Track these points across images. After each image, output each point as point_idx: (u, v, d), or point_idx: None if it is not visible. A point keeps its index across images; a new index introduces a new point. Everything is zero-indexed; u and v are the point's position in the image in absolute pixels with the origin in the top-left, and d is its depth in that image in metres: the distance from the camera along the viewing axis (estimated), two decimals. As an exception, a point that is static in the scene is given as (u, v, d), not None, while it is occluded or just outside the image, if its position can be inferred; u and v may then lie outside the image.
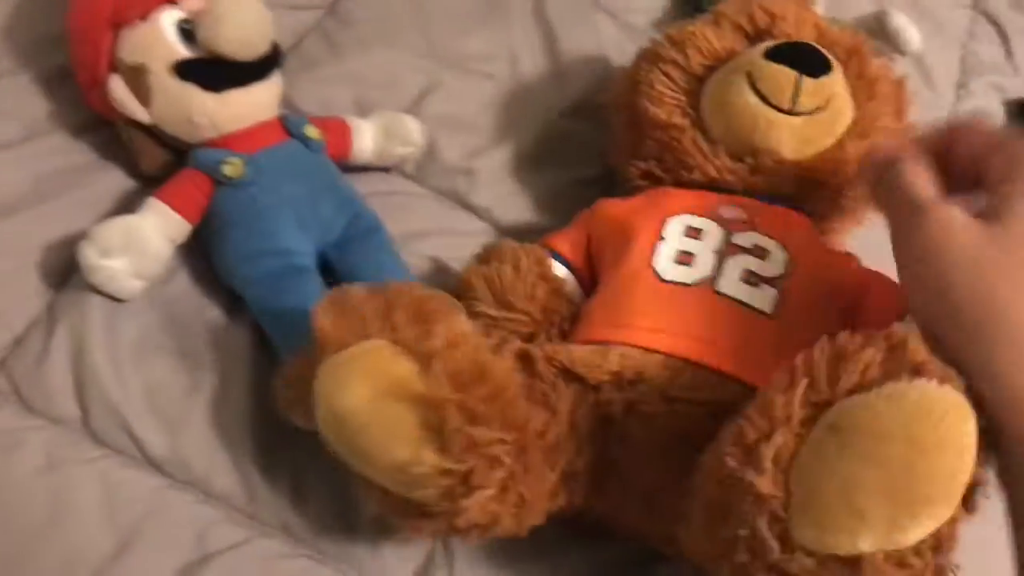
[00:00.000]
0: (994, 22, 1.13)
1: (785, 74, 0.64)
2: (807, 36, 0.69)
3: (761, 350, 0.57)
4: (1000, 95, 1.05)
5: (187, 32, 0.61)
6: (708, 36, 0.70)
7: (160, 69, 0.61)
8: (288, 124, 0.65)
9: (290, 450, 0.60)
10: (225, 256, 0.62)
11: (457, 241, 0.72)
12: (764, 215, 0.64)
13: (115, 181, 0.67)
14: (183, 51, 0.61)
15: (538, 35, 0.90)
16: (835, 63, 0.66)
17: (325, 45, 0.81)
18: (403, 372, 0.47)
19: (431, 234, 0.73)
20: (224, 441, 0.59)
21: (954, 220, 0.47)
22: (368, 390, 0.47)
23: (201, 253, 0.64)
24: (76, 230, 0.63)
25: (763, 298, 0.59)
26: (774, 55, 0.65)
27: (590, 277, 0.67)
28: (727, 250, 0.61)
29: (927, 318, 0.48)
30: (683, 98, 0.68)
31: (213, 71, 0.61)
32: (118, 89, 0.61)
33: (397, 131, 0.72)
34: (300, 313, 0.59)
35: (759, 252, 0.61)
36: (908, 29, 0.80)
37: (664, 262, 0.61)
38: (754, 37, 0.70)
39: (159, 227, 0.60)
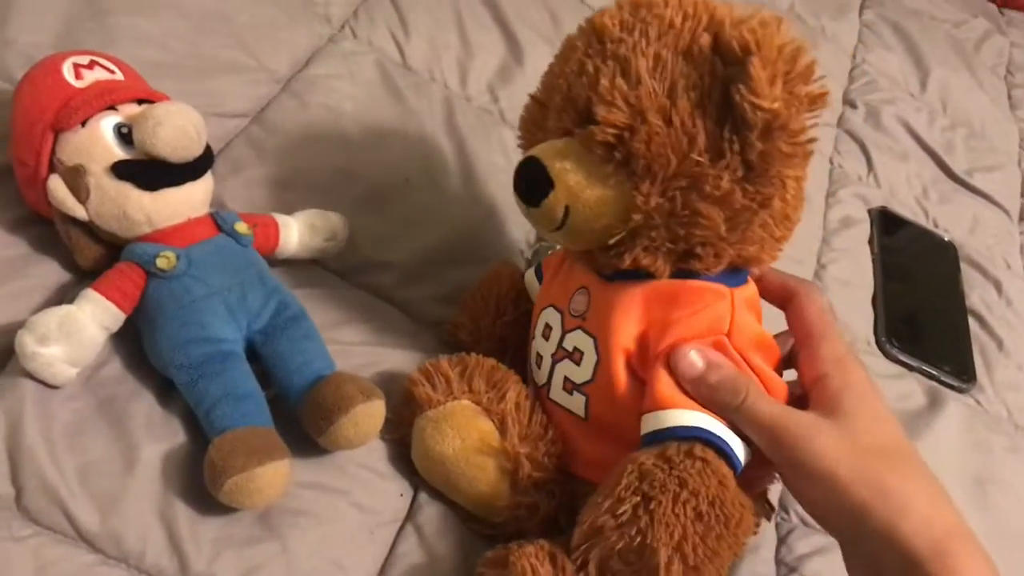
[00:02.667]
0: (856, 139, 1.21)
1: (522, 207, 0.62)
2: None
3: (582, 448, 0.66)
4: (864, 204, 1.13)
5: (124, 135, 0.63)
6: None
7: (98, 170, 0.63)
8: (219, 220, 0.67)
9: (222, 527, 0.61)
10: (158, 343, 0.63)
11: (377, 326, 0.76)
12: (600, 299, 0.63)
13: (51, 273, 0.68)
14: (120, 152, 0.63)
15: (450, 145, 0.94)
16: (555, 173, 0.59)
17: (251, 150, 0.84)
18: (485, 428, 0.65)
19: (354, 322, 0.75)
20: (157, 517, 0.60)
21: (822, 430, 0.57)
22: (459, 441, 0.64)
23: (133, 339, 0.66)
24: (12, 319, 0.64)
25: (577, 403, 0.66)
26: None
27: None
28: (557, 355, 0.66)
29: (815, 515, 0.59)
30: None
31: (149, 171, 0.63)
32: (58, 189, 0.63)
33: (322, 226, 0.74)
34: (226, 396, 0.61)
35: (576, 357, 0.65)
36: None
37: (532, 360, 0.70)
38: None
39: (95, 316, 0.61)
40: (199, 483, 0.60)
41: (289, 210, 0.76)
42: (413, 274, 0.81)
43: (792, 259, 1.02)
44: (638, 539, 0.55)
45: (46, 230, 0.69)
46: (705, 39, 0.56)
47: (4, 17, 0.82)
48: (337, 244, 0.76)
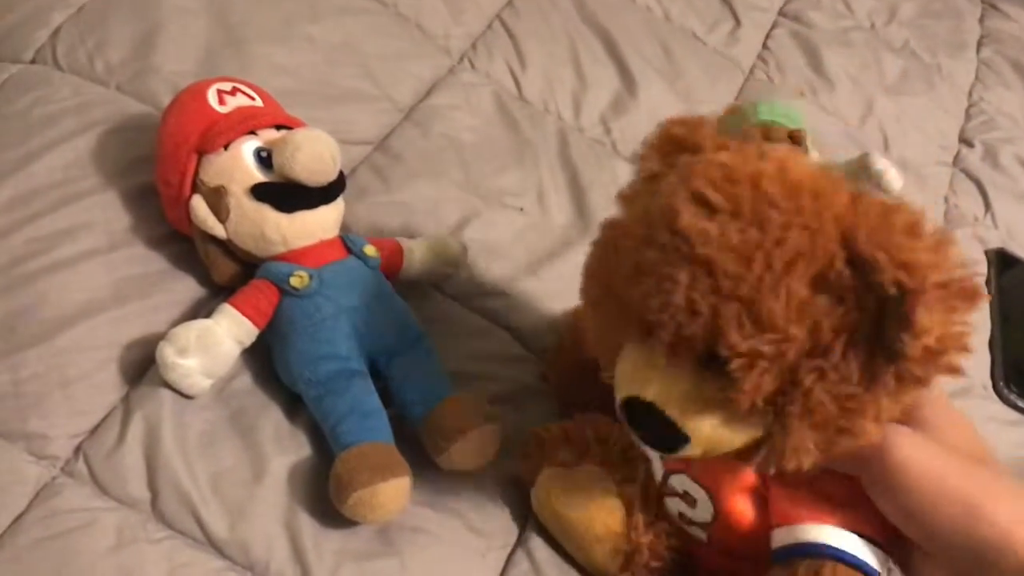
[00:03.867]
0: (972, 178, 1.19)
1: (639, 442, 0.55)
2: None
3: (703, 555, 0.64)
4: (981, 245, 1.10)
5: (264, 159, 0.66)
6: None
7: (238, 191, 0.66)
8: (348, 243, 0.69)
9: (343, 539, 0.62)
10: (288, 359, 0.65)
11: (491, 351, 0.77)
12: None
13: (188, 288, 0.71)
14: (260, 175, 0.66)
15: (563, 176, 0.95)
16: (690, 430, 0.50)
17: (375, 176, 0.86)
18: (612, 506, 0.63)
19: (469, 345, 0.77)
20: (282, 527, 0.62)
21: (904, 438, 0.52)
22: (583, 512, 0.63)
23: (263, 354, 0.68)
24: (152, 331, 0.67)
25: (696, 532, 0.62)
26: (623, 412, 0.53)
27: None
28: (666, 489, 0.63)
29: (915, 526, 0.52)
30: None
31: (286, 194, 0.66)
32: (200, 207, 0.66)
33: (443, 252, 0.76)
34: (352, 412, 0.63)
35: (689, 500, 0.61)
36: (890, 171, 0.84)
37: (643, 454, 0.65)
38: None
39: (230, 331, 0.64)
40: (323, 496, 0.62)
41: (411, 235, 0.78)
42: (524, 301, 0.83)
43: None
44: None
45: (184, 247, 0.72)
46: (840, 259, 0.46)
47: (150, 46, 0.86)
48: (456, 269, 0.77)
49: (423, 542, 0.64)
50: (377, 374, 0.68)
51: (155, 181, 0.71)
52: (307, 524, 0.62)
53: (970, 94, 1.33)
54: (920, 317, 0.44)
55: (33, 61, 0.85)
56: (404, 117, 0.94)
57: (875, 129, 1.17)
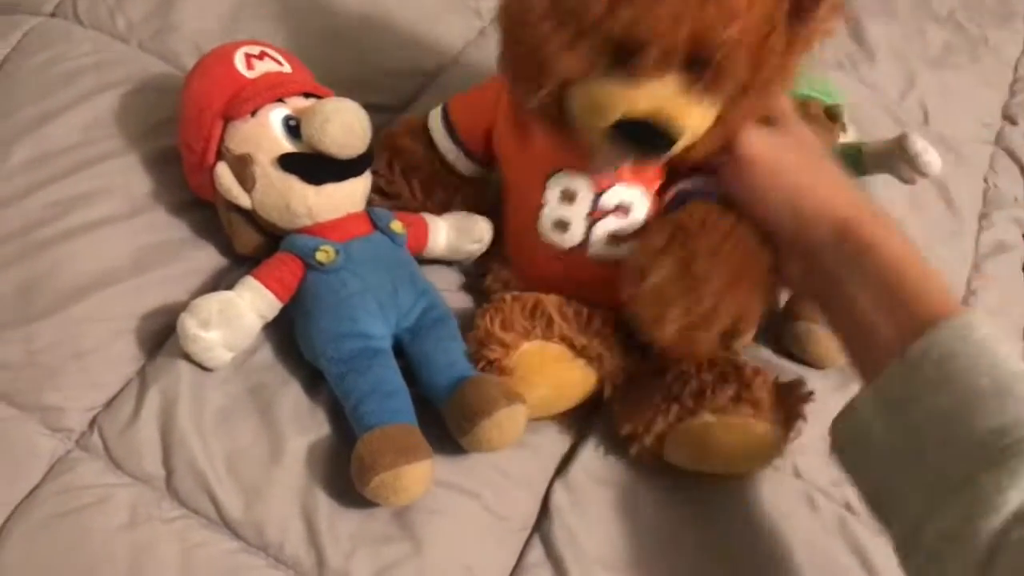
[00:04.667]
0: (1015, 158, 1.15)
1: (623, 154, 0.62)
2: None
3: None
4: (1020, 228, 1.07)
5: (292, 128, 0.64)
6: None
7: (265, 160, 0.63)
8: (375, 217, 0.67)
9: (360, 522, 0.61)
10: (311, 334, 0.63)
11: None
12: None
13: (209, 258, 0.69)
14: (287, 145, 0.64)
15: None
16: (682, 128, 0.59)
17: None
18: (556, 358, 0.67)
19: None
20: (298, 508, 0.60)
21: (757, 132, 0.64)
22: (544, 390, 0.66)
23: (285, 329, 0.66)
24: (171, 301, 0.66)
25: (626, 250, 0.66)
26: (614, 135, 0.59)
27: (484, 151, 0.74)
28: (595, 214, 0.67)
29: (757, 204, 0.64)
30: None
31: (314, 165, 0.64)
32: (224, 175, 0.64)
33: (468, 228, 0.74)
34: (375, 392, 0.61)
35: (623, 210, 0.67)
36: (928, 152, 0.81)
37: (546, 227, 0.68)
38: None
39: (254, 304, 0.62)
40: (340, 477, 0.61)
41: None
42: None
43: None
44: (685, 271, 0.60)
45: (206, 214, 0.70)
46: None
47: (172, 4, 0.83)
48: (481, 247, 0.75)
49: (440, 525, 0.62)
50: (400, 352, 0.66)
51: (177, 145, 0.69)
52: (323, 506, 0.61)
53: (1016, 67, 1.29)
54: None
55: (53, 14, 0.83)
56: (431, 80, 0.91)
57: (915, 104, 1.13)
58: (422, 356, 0.65)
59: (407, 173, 0.74)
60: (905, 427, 0.53)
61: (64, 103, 0.74)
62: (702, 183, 0.67)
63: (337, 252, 0.63)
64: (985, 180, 1.12)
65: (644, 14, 0.55)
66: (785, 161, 0.64)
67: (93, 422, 0.61)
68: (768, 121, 0.65)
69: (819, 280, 0.63)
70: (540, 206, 0.68)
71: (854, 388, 0.73)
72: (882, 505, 0.56)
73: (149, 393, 0.62)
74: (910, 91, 1.13)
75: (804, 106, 0.89)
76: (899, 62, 1.16)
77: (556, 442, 0.69)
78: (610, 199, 0.67)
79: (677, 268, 0.60)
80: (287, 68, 0.68)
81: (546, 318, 0.67)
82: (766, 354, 0.76)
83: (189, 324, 0.60)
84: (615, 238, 0.67)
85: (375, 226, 0.67)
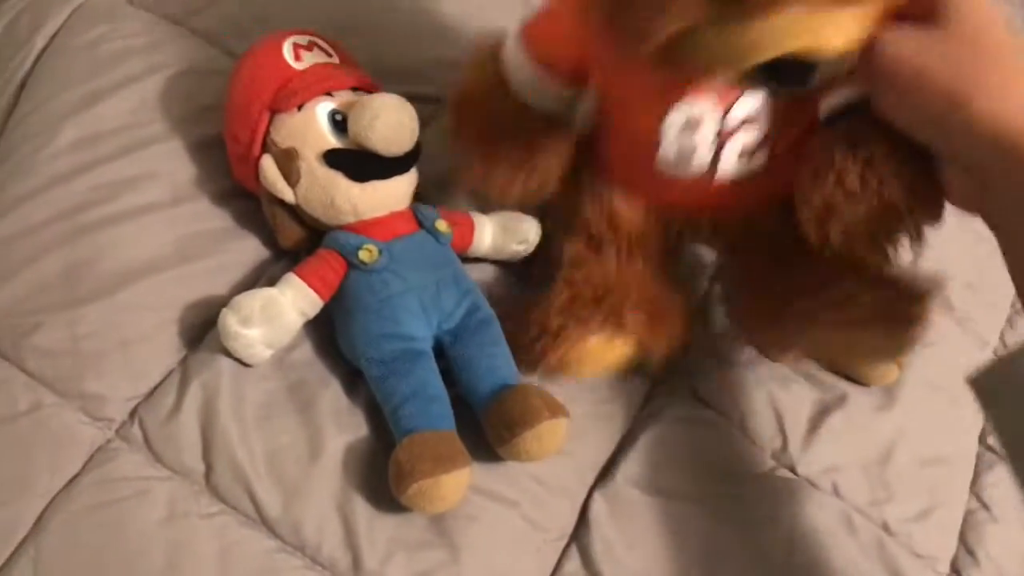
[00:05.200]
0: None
1: (765, 88, 0.58)
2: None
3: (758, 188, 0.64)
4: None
5: (338, 123, 0.63)
6: None
7: (310, 155, 0.62)
8: (420, 215, 0.66)
9: (397, 526, 0.60)
10: (351, 334, 0.63)
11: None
12: None
13: (251, 249, 0.69)
14: (333, 141, 0.63)
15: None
16: (828, 55, 0.52)
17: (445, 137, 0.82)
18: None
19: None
20: (336, 509, 0.60)
21: (900, 35, 0.53)
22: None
23: (324, 326, 0.65)
24: (213, 293, 0.65)
25: (757, 161, 0.62)
26: (759, 77, 0.53)
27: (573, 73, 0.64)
28: (724, 135, 0.61)
29: (901, 121, 0.55)
30: None
31: (360, 162, 0.62)
32: (269, 169, 0.63)
33: (515, 229, 0.72)
34: (415, 396, 0.60)
35: (750, 122, 0.61)
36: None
37: (667, 161, 0.63)
38: None
39: (295, 302, 0.61)
40: (378, 479, 0.60)
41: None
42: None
43: (985, 302, 0.95)
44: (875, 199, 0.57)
45: (249, 205, 0.69)
46: None
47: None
48: (527, 248, 0.73)
49: (476, 532, 0.62)
50: (442, 354, 0.65)
51: (222, 133, 0.68)
52: (361, 508, 0.60)
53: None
54: None
55: (102, -9, 0.82)
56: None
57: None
58: (464, 360, 0.64)
59: (487, 134, 0.67)
60: None
61: (113, 84, 0.74)
62: (850, 93, 0.60)
63: (380, 252, 0.62)
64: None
65: None
66: (931, 67, 0.53)
67: (134, 412, 0.61)
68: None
69: (990, 204, 0.55)
70: (658, 142, 0.62)
71: (899, 406, 0.73)
72: None
73: (191, 386, 0.61)
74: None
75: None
76: None
77: (597, 450, 0.68)
78: (737, 113, 0.60)
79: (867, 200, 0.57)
80: (335, 59, 0.67)
81: (618, 320, 0.64)
82: (812, 369, 0.74)
83: (230, 321, 0.59)
84: (744, 153, 0.62)
85: (420, 224, 0.66)
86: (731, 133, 0.61)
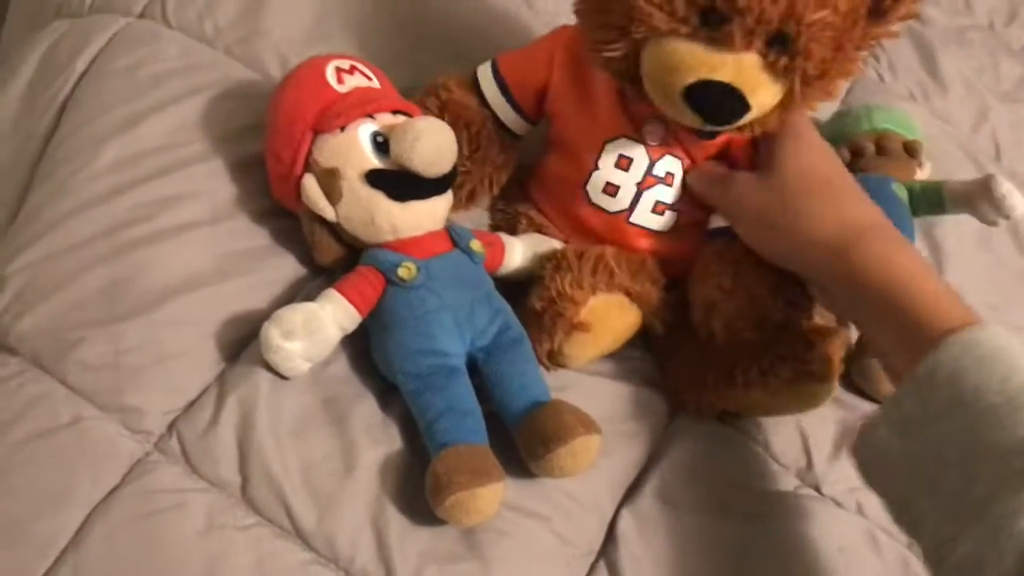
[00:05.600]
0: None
1: (692, 117, 0.62)
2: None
3: (659, 253, 0.73)
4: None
5: (380, 144, 0.64)
6: None
7: (352, 175, 0.64)
8: (455, 235, 0.67)
9: (429, 539, 0.61)
10: (387, 349, 0.64)
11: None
12: (689, 140, 0.70)
13: (288, 267, 0.70)
14: (375, 161, 0.64)
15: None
16: (755, 102, 0.61)
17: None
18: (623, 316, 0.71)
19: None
20: (369, 522, 0.60)
21: (740, 178, 0.68)
22: (608, 338, 0.72)
23: (358, 341, 0.66)
24: (251, 308, 0.66)
25: (665, 221, 0.72)
26: (688, 96, 0.61)
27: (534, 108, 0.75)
28: (645, 183, 0.71)
29: (749, 243, 0.68)
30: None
31: (401, 183, 0.64)
32: (311, 188, 0.64)
33: (545, 251, 0.73)
34: (450, 411, 0.62)
35: (669, 180, 0.71)
36: (1014, 194, 0.79)
37: (594, 190, 0.72)
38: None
39: (335, 317, 0.62)
40: (411, 493, 0.61)
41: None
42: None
43: (1006, 322, 0.95)
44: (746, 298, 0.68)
45: (287, 223, 0.70)
46: None
47: (260, 8, 0.84)
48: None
49: (507, 546, 0.62)
50: (475, 371, 0.66)
51: (264, 153, 0.69)
52: (394, 521, 0.61)
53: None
54: None
55: (142, 15, 0.83)
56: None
57: (987, 138, 1.11)
58: (496, 377, 0.65)
59: (456, 127, 0.71)
60: (923, 447, 0.53)
61: (152, 105, 0.75)
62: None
63: (418, 269, 0.63)
64: (1057, 220, 1.10)
65: None
66: (764, 203, 0.66)
67: (172, 426, 0.62)
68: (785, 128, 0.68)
69: (831, 307, 0.68)
70: (593, 169, 0.71)
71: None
72: (906, 522, 0.55)
73: (228, 400, 0.62)
74: (982, 124, 1.12)
75: (882, 139, 0.88)
76: (972, 94, 1.14)
77: (624, 467, 0.69)
78: (661, 168, 0.70)
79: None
80: (376, 83, 0.68)
81: (608, 271, 0.69)
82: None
83: (273, 334, 0.60)
84: (659, 207, 0.71)
85: (455, 244, 0.67)
86: (651, 184, 0.71)
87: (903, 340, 0.58)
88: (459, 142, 0.68)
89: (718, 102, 0.61)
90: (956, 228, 0.95)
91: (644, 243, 0.73)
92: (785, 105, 0.64)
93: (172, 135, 0.74)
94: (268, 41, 0.82)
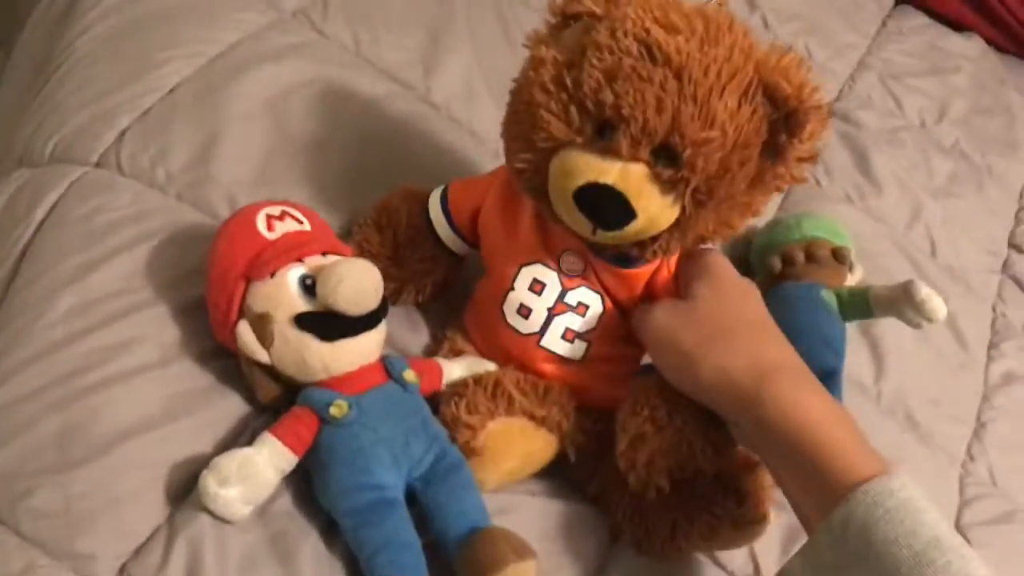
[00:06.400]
0: (1022, 287, 1.16)
1: (583, 222, 0.66)
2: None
3: (571, 382, 0.75)
4: (1030, 358, 1.08)
5: (308, 287, 0.67)
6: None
7: (282, 319, 0.66)
8: (388, 366, 0.70)
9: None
10: (327, 487, 0.65)
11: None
12: (607, 271, 0.73)
13: (235, 406, 0.72)
14: (303, 304, 0.67)
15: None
16: (640, 207, 0.64)
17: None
18: (525, 441, 0.73)
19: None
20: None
21: (658, 307, 0.70)
22: (513, 462, 0.73)
23: (303, 475, 0.68)
24: (198, 451, 0.68)
25: (576, 350, 0.74)
26: (577, 198, 0.64)
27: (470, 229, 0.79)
28: (556, 309, 0.73)
29: (663, 371, 0.69)
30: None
31: (328, 323, 0.66)
32: (245, 334, 0.67)
33: (480, 372, 0.75)
34: (388, 545, 0.63)
35: (581, 310, 0.73)
36: (933, 298, 0.82)
37: (509, 310, 0.74)
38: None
39: (271, 460, 0.64)
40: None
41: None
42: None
43: (949, 416, 0.97)
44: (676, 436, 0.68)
45: (232, 362, 0.72)
46: (755, 82, 0.63)
47: (210, 153, 0.88)
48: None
49: None
50: (413, 500, 0.68)
51: (203, 298, 0.72)
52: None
53: (1021, 196, 1.30)
54: (809, 125, 0.62)
55: (98, 164, 0.87)
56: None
57: (922, 235, 1.15)
58: (434, 504, 0.67)
59: (385, 227, 0.80)
60: None
61: (105, 253, 0.78)
62: None
63: (350, 406, 0.66)
64: (993, 309, 1.13)
65: (629, 95, 0.61)
66: (679, 334, 0.68)
67: (122, 570, 0.63)
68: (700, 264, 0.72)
69: (740, 439, 0.69)
70: (509, 289, 0.74)
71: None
72: None
73: (176, 542, 0.63)
74: (916, 222, 1.16)
75: (812, 247, 0.91)
76: (905, 193, 1.18)
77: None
78: (574, 298, 0.73)
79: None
80: (307, 226, 0.72)
81: (507, 396, 0.72)
82: (778, 495, 0.76)
83: (210, 483, 0.62)
84: (569, 333, 0.74)
85: (389, 375, 0.69)
86: (562, 311, 0.73)
87: (811, 489, 0.60)
88: (384, 244, 0.75)
89: (603, 204, 0.64)
90: (895, 325, 0.97)
91: (552, 369, 0.75)
92: (683, 225, 0.66)
93: (123, 282, 0.76)
94: (217, 184, 0.85)
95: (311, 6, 1.06)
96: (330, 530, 0.67)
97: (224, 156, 0.88)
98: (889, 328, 0.98)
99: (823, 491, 0.58)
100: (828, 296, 0.87)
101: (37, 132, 0.89)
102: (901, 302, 0.83)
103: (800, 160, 0.65)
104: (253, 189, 0.86)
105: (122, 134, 0.88)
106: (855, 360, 0.95)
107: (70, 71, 0.92)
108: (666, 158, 0.63)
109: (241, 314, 0.68)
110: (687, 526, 0.71)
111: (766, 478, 0.70)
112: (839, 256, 0.91)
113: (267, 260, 0.67)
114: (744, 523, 0.70)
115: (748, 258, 0.98)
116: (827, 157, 1.19)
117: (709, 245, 0.73)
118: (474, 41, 1.09)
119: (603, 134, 0.63)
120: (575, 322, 0.74)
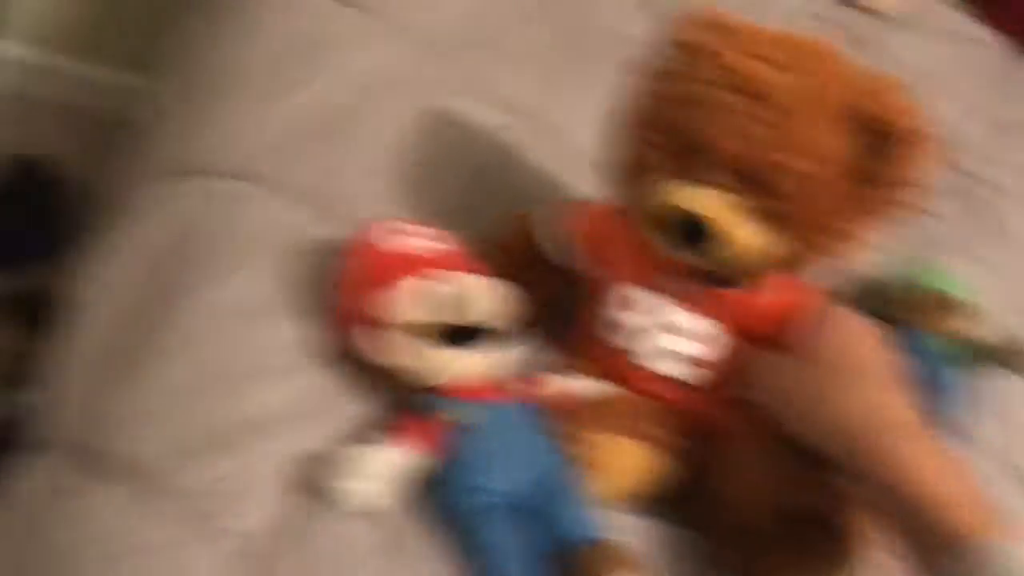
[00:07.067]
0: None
1: (679, 248, 0.68)
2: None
3: (682, 408, 0.76)
4: None
5: (439, 299, 0.70)
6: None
7: (412, 328, 0.69)
8: (512, 382, 0.73)
9: None
10: (447, 487, 0.68)
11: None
12: (720, 298, 0.73)
13: (360, 407, 0.75)
14: (432, 315, 0.70)
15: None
16: (731, 237, 0.65)
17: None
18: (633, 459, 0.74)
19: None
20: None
21: (768, 363, 0.71)
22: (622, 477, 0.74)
23: (421, 477, 0.70)
24: (324, 447, 0.71)
25: (685, 374, 0.75)
26: (672, 226, 0.66)
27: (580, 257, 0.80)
28: (663, 331, 0.74)
29: (773, 408, 0.70)
30: None
31: (457, 334, 0.70)
32: (373, 340, 0.71)
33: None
34: (500, 548, 0.66)
35: (689, 333, 0.74)
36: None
37: (616, 332, 0.76)
38: None
39: (396, 458, 0.68)
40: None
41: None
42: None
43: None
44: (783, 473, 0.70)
45: (358, 367, 0.75)
46: (851, 109, 0.63)
47: (342, 172, 0.92)
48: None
49: None
50: (525, 510, 0.69)
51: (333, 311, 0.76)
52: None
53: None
54: (902, 149, 0.62)
55: (242, 176, 0.91)
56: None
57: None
58: (548, 515, 0.69)
59: (499, 251, 0.81)
60: None
61: (248, 260, 0.81)
62: None
63: (476, 414, 0.69)
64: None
65: (708, 123, 0.63)
66: (789, 388, 0.69)
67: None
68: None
69: (865, 494, 0.67)
70: (615, 312, 0.76)
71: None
72: None
73: (296, 534, 0.66)
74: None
75: (925, 296, 0.90)
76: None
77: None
78: (681, 321, 0.74)
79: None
80: (438, 244, 0.75)
81: (620, 415, 0.73)
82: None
83: (338, 477, 0.66)
84: (677, 357, 0.75)
85: (512, 391, 0.73)
86: (669, 334, 0.75)
87: (923, 542, 0.60)
88: (499, 266, 0.76)
89: (694, 232, 0.65)
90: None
91: (664, 391, 0.76)
92: (776, 251, 0.67)
93: (264, 286, 0.80)
94: (352, 203, 0.89)
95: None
96: (445, 531, 0.69)
97: (355, 175, 0.92)
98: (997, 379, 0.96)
99: (934, 546, 0.58)
100: (935, 344, 0.86)
101: (186, 145, 0.93)
102: (1009, 354, 0.82)
103: (896, 185, 0.65)
104: (383, 207, 0.89)
105: (266, 148, 0.92)
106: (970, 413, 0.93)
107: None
108: (756, 185, 0.64)
109: (372, 322, 0.71)
110: (787, 565, 0.71)
111: (872, 523, 0.70)
112: (945, 305, 0.90)
113: (396, 271, 0.71)
114: (845, 566, 0.70)
115: (881, 301, 0.97)
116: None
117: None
118: (585, 73, 1.11)
119: (695, 163, 0.65)
120: (683, 346, 0.75)
